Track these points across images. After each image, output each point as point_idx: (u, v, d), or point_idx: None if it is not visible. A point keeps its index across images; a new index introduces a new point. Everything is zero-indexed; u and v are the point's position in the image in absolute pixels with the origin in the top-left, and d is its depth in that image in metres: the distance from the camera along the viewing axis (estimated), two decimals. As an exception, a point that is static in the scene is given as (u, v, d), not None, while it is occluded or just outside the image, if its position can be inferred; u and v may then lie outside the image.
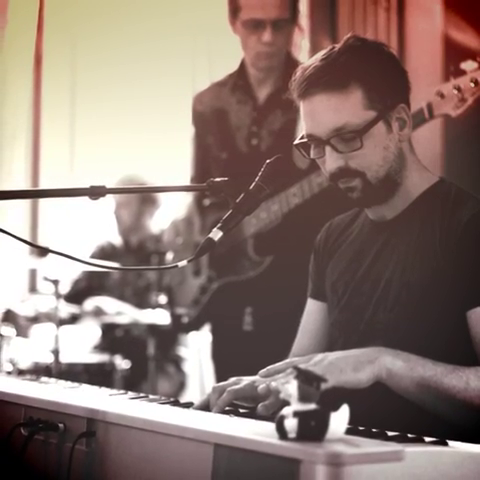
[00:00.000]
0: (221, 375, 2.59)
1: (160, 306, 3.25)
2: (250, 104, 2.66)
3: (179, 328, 2.94)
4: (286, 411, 0.99)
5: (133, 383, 3.71)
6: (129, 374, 3.77)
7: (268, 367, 1.45)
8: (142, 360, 3.73)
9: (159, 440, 1.14)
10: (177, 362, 4.22)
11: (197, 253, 1.47)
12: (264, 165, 1.51)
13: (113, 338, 4.10)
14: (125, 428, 1.21)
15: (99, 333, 4.16)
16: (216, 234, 1.45)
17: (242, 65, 2.68)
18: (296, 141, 1.60)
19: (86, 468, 1.28)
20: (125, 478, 1.22)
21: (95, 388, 1.75)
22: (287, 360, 1.50)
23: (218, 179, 1.48)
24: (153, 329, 3.55)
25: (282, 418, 0.98)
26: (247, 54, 2.60)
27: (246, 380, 1.46)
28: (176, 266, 1.49)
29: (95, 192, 1.42)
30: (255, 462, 0.96)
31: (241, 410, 1.44)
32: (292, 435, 0.96)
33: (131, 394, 1.62)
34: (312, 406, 0.99)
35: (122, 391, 1.76)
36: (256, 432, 1.04)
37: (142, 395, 1.62)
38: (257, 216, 2.44)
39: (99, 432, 1.27)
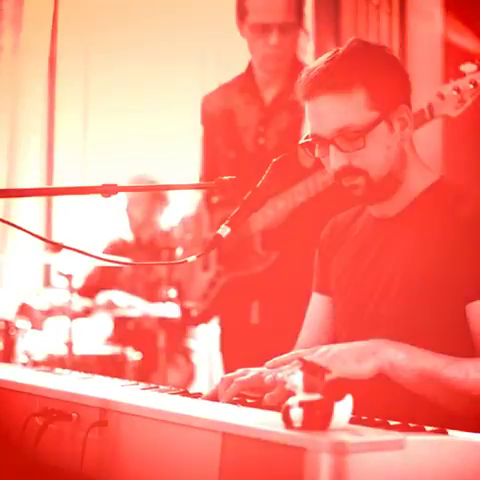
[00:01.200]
0: (229, 366, 2.59)
1: (170, 300, 3.24)
2: (257, 105, 2.66)
3: (188, 321, 2.92)
4: (292, 401, 0.99)
5: (144, 374, 3.71)
6: (140, 365, 3.77)
7: (274, 359, 1.44)
8: (153, 352, 3.73)
9: (169, 429, 1.13)
10: (186, 354, 4.23)
11: (206, 249, 1.47)
12: (271, 164, 1.50)
13: (125, 331, 4.11)
14: (136, 418, 1.21)
15: (111, 326, 4.17)
16: (224, 230, 1.45)
17: (250, 67, 2.67)
18: (301, 141, 1.60)
19: (98, 456, 1.28)
20: (136, 466, 1.22)
21: (107, 379, 1.75)
22: (293, 352, 1.50)
23: (226, 177, 1.48)
24: (163, 322, 3.55)
25: (288, 408, 0.99)
26: (254, 57, 2.59)
27: (253, 371, 1.45)
28: (186, 261, 1.48)
29: (107, 190, 1.42)
30: (262, 451, 0.96)
31: (248, 400, 1.44)
32: (297, 424, 0.97)
33: (142, 385, 1.62)
34: (317, 396, 0.99)
35: (134, 382, 1.76)
36: (263, 421, 1.04)
37: (153, 386, 1.61)
38: (264, 213, 2.42)
39: (111, 422, 1.27)
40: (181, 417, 1.12)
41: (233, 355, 2.71)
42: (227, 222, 1.45)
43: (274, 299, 2.57)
